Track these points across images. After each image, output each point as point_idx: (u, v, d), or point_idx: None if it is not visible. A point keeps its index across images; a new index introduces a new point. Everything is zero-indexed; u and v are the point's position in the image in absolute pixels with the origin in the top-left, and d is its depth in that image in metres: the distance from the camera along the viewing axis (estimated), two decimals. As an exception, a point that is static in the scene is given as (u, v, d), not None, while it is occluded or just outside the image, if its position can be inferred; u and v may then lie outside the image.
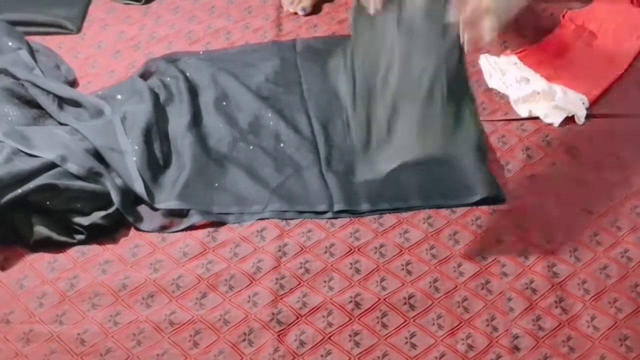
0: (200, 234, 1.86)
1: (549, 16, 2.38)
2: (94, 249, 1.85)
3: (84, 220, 1.86)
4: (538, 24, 2.37)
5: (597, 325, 1.64)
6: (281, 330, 1.66)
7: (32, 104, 2.12)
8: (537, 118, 2.08)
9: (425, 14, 1.85)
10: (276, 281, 1.75)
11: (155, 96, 2.15)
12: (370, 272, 1.76)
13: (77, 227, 1.86)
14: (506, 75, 2.17)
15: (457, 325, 1.65)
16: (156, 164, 1.99)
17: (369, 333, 1.65)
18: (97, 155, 1.97)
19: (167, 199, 1.92)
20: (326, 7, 2.51)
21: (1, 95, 2.09)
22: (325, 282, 1.75)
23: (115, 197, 1.88)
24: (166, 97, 2.17)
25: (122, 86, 2.22)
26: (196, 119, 2.11)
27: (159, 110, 2.12)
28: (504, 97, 2.14)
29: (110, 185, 1.90)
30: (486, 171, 1.93)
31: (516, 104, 2.11)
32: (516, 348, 1.61)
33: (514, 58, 2.22)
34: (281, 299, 1.72)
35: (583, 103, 2.08)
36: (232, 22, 2.48)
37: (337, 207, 1.88)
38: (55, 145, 1.95)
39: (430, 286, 1.73)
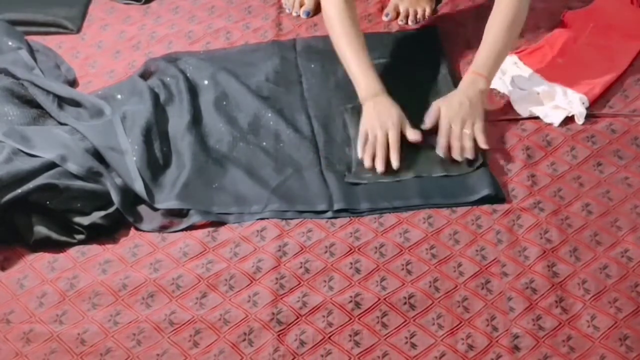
0: (200, 234, 1.86)
1: (549, 16, 2.38)
2: (94, 249, 1.85)
3: (84, 220, 1.86)
4: (538, 24, 2.37)
5: (597, 325, 1.63)
6: (281, 330, 1.66)
7: (32, 103, 2.12)
8: (537, 118, 2.08)
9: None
10: (276, 281, 1.75)
11: (155, 96, 2.15)
12: (370, 272, 1.76)
13: (77, 227, 1.86)
14: (506, 75, 2.17)
15: (457, 325, 1.65)
16: (156, 164, 1.99)
17: (369, 333, 1.65)
18: (97, 155, 1.97)
19: (167, 199, 1.92)
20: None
21: (1, 95, 2.09)
22: (325, 282, 1.75)
23: (115, 197, 1.88)
24: (166, 97, 2.17)
25: (122, 86, 2.22)
26: (196, 119, 2.11)
27: (159, 110, 2.12)
28: (504, 97, 2.14)
29: (110, 185, 1.90)
30: (486, 171, 1.94)
31: (516, 104, 2.11)
32: (516, 348, 1.61)
33: (514, 58, 2.22)
34: (281, 298, 1.72)
35: (583, 103, 2.08)
36: (232, 22, 2.48)
37: (337, 206, 1.88)
38: (55, 145, 1.95)
39: (430, 286, 1.72)
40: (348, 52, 2.05)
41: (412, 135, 1.97)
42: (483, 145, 1.95)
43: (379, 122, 1.96)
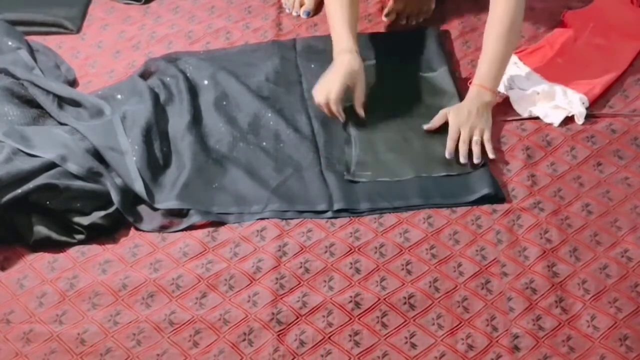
0: (200, 234, 1.86)
1: (549, 16, 2.38)
2: (94, 249, 1.85)
3: (84, 220, 1.86)
4: (538, 24, 2.37)
5: (597, 325, 1.63)
6: (281, 330, 1.66)
7: (32, 103, 2.12)
8: (537, 118, 2.08)
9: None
10: (276, 281, 1.75)
11: (155, 96, 2.15)
12: (370, 272, 1.76)
13: (77, 227, 1.86)
14: (506, 75, 2.17)
15: (457, 325, 1.65)
16: (156, 164, 1.99)
17: (369, 333, 1.65)
18: (97, 155, 1.97)
19: (167, 199, 1.92)
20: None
21: (1, 95, 2.09)
22: (325, 282, 1.75)
23: (115, 197, 1.88)
24: (166, 97, 2.17)
25: (122, 86, 2.22)
26: (196, 119, 2.11)
27: (159, 110, 2.12)
28: (503, 97, 2.14)
29: (110, 185, 1.90)
30: (486, 171, 1.94)
31: (516, 104, 2.11)
32: (516, 348, 1.61)
33: (514, 58, 2.21)
34: (281, 298, 1.72)
35: (583, 103, 2.08)
36: (232, 22, 2.48)
37: (336, 206, 1.88)
38: (55, 145, 1.95)
39: (430, 286, 1.72)
40: (333, 9, 2.12)
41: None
42: (491, 154, 1.96)
43: (318, 90, 2.05)
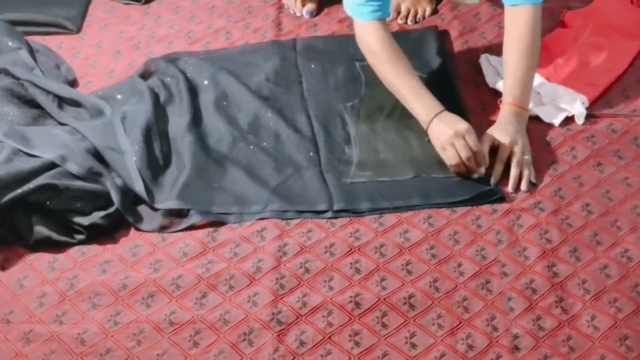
0: (200, 234, 1.86)
1: (549, 16, 2.38)
2: (94, 249, 1.85)
3: (84, 220, 1.86)
4: (538, 24, 2.37)
5: (597, 325, 1.63)
6: (281, 330, 1.66)
7: (32, 104, 2.12)
8: (537, 118, 2.08)
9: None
10: (276, 281, 1.75)
11: (155, 96, 2.15)
12: (370, 272, 1.76)
13: (77, 227, 1.86)
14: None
15: (457, 325, 1.65)
16: (156, 164, 2.00)
17: (369, 333, 1.65)
18: (97, 155, 1.97)
19: (167, 199, 1.92)
20: (326, 6, 2.51)
21: (1, 95, 2.09)
22: (325, 282, 1.75)
23: (115, 197, 1.88)
24: (166, 97, 2.17)
25: (122, 86, 2.22)
26: (196, 119, 2.11)
27: (159, 110, 2.12)
28: (504, 97, 2.14)
29: (110, 185, 1.90)
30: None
31: (516, 103, 2.11)
32: (516, 348, 1.61)
33: (514, 58, 2.22)
34: (281, 298, 1.72)
35: (583, 103, 2.08)
36: (232, 22, 2.48)
37: (337, 207, 1.88)
38: (55, 145, 1.95)
39: (430, 286, 1.72)
40: (396, 80, 2.02)
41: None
42: (534, 179, 1.92)
43: (453, 131, 1.90)
